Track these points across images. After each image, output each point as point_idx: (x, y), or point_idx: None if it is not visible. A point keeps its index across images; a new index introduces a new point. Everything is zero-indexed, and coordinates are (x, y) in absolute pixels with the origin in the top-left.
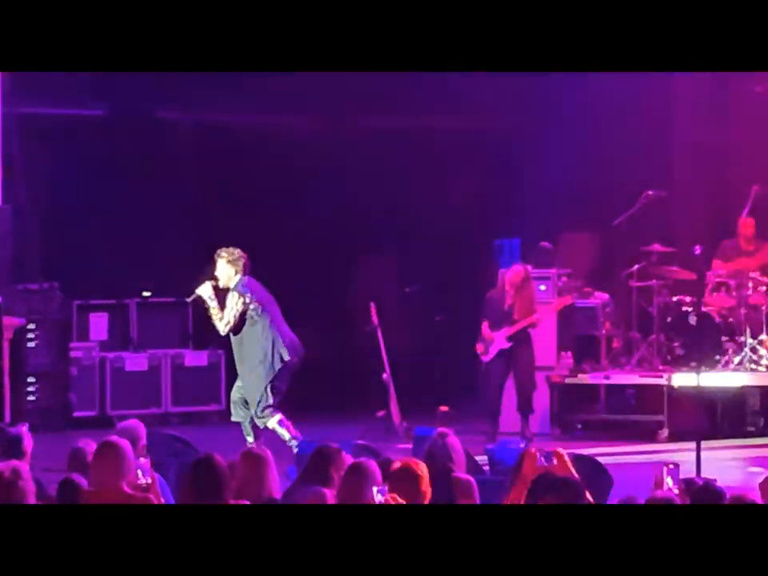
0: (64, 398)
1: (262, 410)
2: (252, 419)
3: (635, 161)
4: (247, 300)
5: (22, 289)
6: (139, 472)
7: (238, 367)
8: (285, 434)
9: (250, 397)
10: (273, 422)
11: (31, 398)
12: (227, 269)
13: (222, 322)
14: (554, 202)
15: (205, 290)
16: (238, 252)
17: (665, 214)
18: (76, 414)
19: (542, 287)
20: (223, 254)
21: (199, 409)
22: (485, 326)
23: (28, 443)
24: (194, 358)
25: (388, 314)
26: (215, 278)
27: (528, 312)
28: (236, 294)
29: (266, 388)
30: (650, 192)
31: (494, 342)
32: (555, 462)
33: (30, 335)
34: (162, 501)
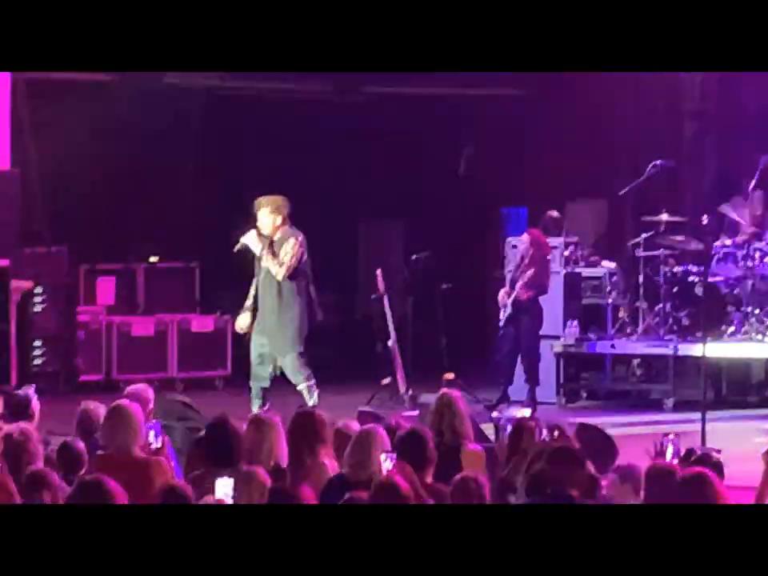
0: (70, 362)
1: (300, 369)
2: (270, 382)
3: (643, 130)
4: (305, 245)
5: (30, 252)
6: (151, 434)
7: (267, 319)
8: (311, 399)
9: (281, 353)
10: (305, 384)
11: (37, 361)
12: (271, 218)
13: (283, 267)
14: (562, 171)
15: (250, 238)
16: (281, 199)
17: (672, 183)
18: (82, 378)
19: (549, 256)
20: (264, 202)
21: (205, 374)
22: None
23: (35, 405)
24: (201, 323)
25: (394, 281)
26: (257, 228)
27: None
28: (293, 239)
29: (298, 345)
30: (658, 162)
31: (506, 307)
32: (556, 435)
33: (37, 299)
34: (172, 464)
